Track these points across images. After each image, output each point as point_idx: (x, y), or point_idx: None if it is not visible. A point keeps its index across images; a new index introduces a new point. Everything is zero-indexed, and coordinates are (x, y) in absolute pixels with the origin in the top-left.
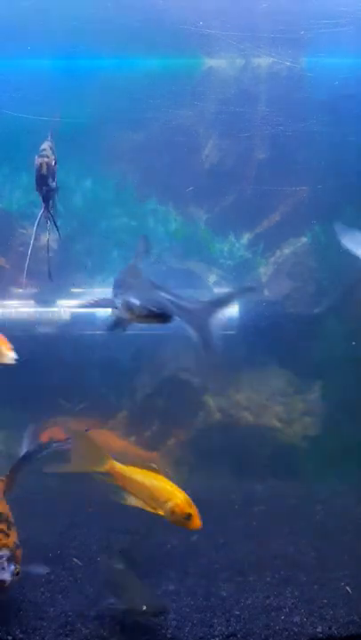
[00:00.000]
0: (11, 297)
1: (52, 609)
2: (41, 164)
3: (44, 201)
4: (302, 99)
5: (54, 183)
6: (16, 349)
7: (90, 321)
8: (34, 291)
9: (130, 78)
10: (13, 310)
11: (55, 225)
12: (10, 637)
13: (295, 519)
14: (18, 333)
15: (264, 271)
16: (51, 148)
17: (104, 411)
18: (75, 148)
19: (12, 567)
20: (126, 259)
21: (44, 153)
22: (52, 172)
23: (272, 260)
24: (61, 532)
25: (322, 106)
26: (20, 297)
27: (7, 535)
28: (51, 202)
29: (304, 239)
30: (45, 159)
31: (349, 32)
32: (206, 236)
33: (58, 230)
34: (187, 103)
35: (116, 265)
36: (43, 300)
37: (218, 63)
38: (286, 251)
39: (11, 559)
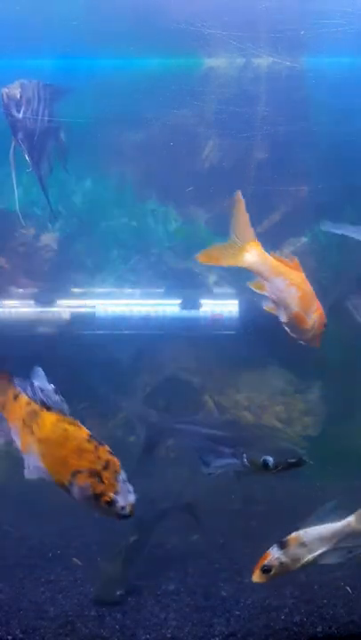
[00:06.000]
0: (11, 297)
1: (52, 609)
2: (1, 94)
3: (12, 134)
4: (302, 99)
5: (20, 114)
6: (16, 349)
7: (89, 321)
8: (34, 291)
9: (130, 78)
10: (13, 310)
11: (31, 157)
12: (10, 637)
13: (295, 519)
14: (18, 333)
15: None
16: (22, 85)
17: (104, 411)
18: (75, 148)
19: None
20: (126, 259)
21: (9, 85)
22: (15, 102)
23: None
24: (61, 532)
25: (322, 106)
26: (20, 297)
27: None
28: (20, 134)
29: (304, 239)
30: (6, 89)
31: (350, 32)
32: (206, 235)
33: (35, 164)
34: (187, 103)
35: (117, 264)
36: (43, 299)
37: (218, 63)
38: (286, 251)
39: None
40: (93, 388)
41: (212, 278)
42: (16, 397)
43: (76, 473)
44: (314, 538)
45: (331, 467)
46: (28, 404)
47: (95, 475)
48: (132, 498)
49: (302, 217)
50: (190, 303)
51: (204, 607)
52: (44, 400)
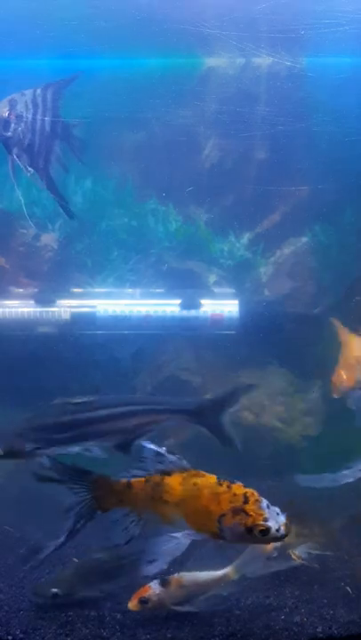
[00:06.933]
0: (11, 297)
1: (52, 609)
2: None
3: (7, 152)
4: (302, 99)
5: (9, 132)
6: (16, 349)
7: (90, 321)
8: (34, 291)
9: (130, 78)
10: (13, 310)
11: (36, 168)
12: (10, 637)
13: (294, 519)
14: (18, 333)
15: (264, 271)
16: (11, 101)
17: None
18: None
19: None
20: (126, 259)
21: None
22: (3, 122)
23: (272, 259)
24: (61, 532)
25: (322, 106)
26: (20, 297)
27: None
28: (15, 149)
29: (304, 239)
30: None
31: (350, 32)
32: (206, 235)
33: (42, 172)
34: (187, 103)
35: (117, 264)
36: (43, 299)
37: (218, 63)
38: (286, 251)
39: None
40: (93, 388)
41: (212, 278)
42: (129, 485)
43: (221, 517)
44: (192, 582)
45: (331, 466)
46: (147, 480)
47: (239, 511)
48: (282, 518)
49: (302, 217)
50: (190, 303)
51: (204, 607)
52: (162, 467)
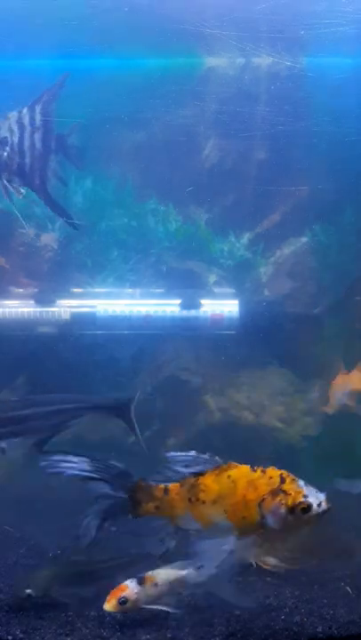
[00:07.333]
0: (11, 297)
1: (52, 609)
2: None
3: None
4: (302, 99)
5: None
6: (16, 349)
7: (90, 321)
8: (34, 291)
9: (130, 78)
10: (13, 310)
11: (31, 186)
12: (10, 637)
13: None
14: (18, 333)
15: (264, 271)
16: None
17: None
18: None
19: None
20: (126, 259)
21: None
22: None
23: (272, 259)
24: (61, 532)
25: (322, 106)
26: (20, 297)
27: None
28: (5, 174)
29: (304, 239)
30: None
31: (350, 32)
32: (206, 235)
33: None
34: (187, 103)
35: (117, 264)
36: (43, 299)
37: (218, 63)
38: (286, 251)
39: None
40: (93, 388)
41: (212, 278)
42: (166, 491)
43: (260, 503)
44: (163, 580)
45: (331, 466)
46: (182, 484)
47: (278, 492)
48: (321, 495)
49: (302, 217)
50: (190, 303)
51: (204, 607)
52: (194, 469)
